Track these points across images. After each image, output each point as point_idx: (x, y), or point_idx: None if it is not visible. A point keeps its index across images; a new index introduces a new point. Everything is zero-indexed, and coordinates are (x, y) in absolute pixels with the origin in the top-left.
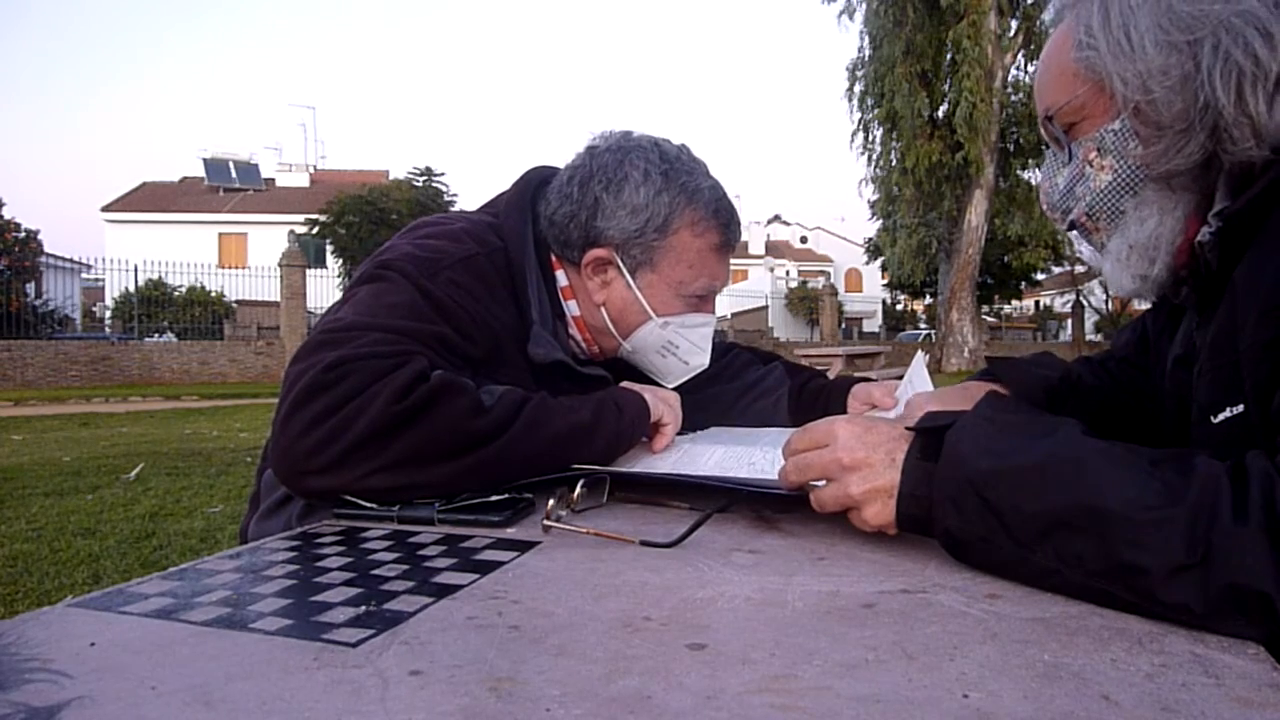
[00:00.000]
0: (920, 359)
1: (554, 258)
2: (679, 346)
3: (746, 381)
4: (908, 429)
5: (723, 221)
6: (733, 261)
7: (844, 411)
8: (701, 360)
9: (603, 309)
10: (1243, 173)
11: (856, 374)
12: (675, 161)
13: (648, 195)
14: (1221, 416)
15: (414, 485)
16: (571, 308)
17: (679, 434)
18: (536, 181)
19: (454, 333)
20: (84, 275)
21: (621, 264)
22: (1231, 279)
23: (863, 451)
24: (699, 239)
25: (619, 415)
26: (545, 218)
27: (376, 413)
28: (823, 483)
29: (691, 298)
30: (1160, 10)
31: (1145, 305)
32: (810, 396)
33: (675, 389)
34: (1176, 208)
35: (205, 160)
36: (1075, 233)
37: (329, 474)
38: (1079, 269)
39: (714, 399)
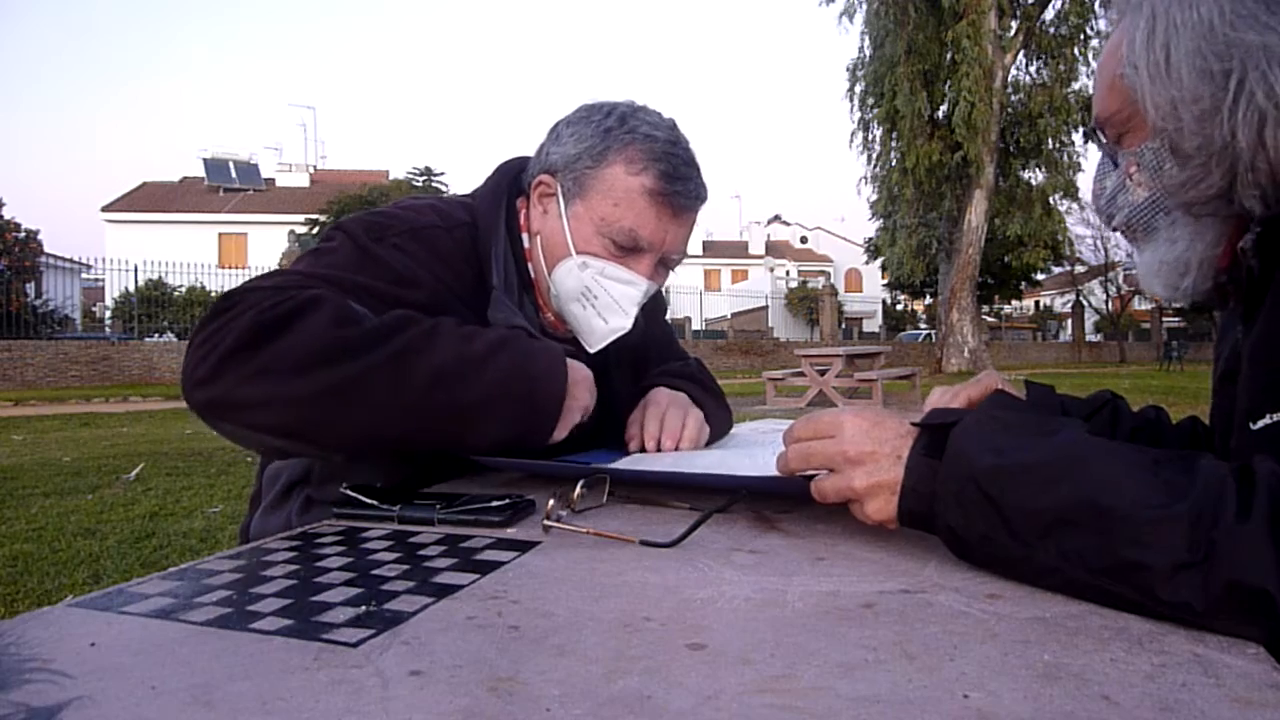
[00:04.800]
0: None
1: (521, 217)
2: (597, 298)
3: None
4: (913, 424)
5: (664, 170)
6: (733, 261)
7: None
8: (621, 322)
9: (538, 240)
10: None
11: (857, 374)
12: (646, 116)
13: (597, 128)
14: (1261, 423)
15: (277, 399)
16: (532, 270)
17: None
18: (515, 170)
19: (388, 285)
20: (84, 275)
21: (560, 191)
22: (1274, 281)
23: (869, 445)
24: (632, 177)
25: (527, 358)
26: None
27: (245, 322)
28: (823, 472)
29: (612, 242)
30: (1202, 33)
31: (1147, 306)
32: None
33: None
34: (1207, 231)
35: (205, 160)
36: (1120, 234)
37: (206, 386)
38: (1079, 269)
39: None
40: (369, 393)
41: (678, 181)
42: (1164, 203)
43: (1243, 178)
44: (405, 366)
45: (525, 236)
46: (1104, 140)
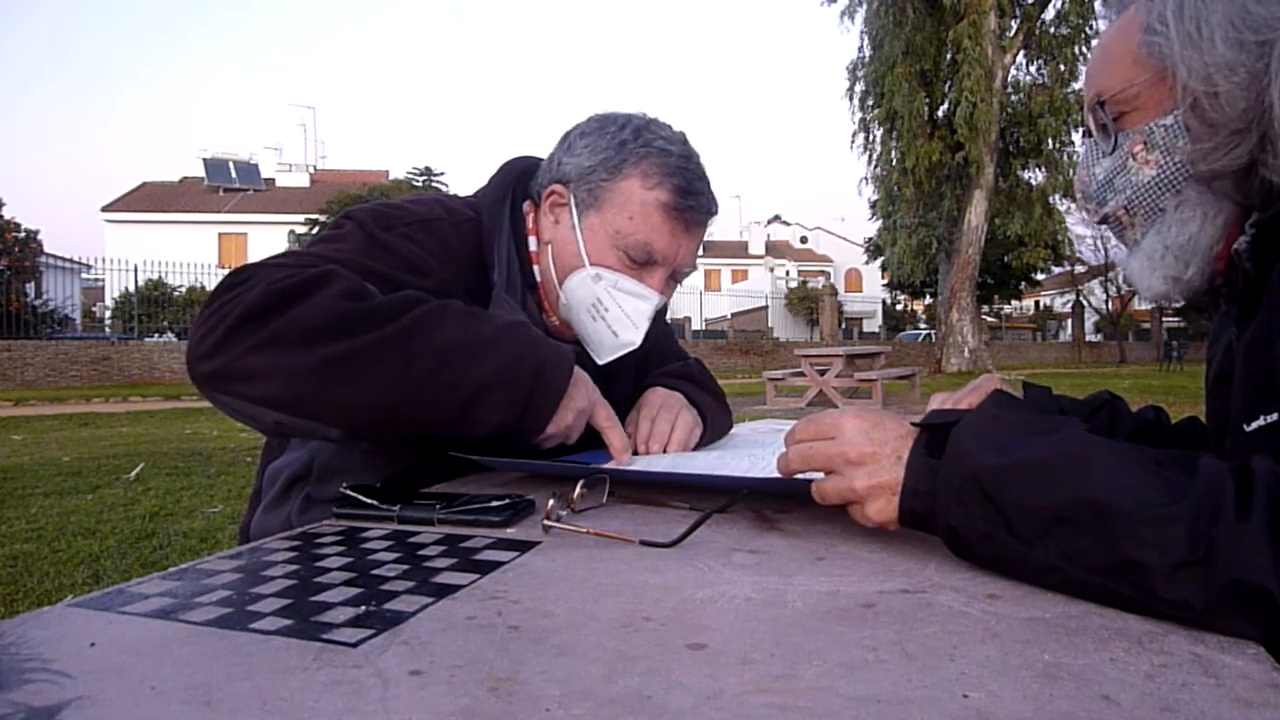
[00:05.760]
0: None
1: (529, 222)
2: (608, 310)
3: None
4: (914, 425)
5: (679, 185)
6: (733, 261)
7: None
8: (631, 337)
9: (549, 249)
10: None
11: (857, 374)
12: (660, 130)
13: (612, 141)
14: (1255, 425)
15: (283, 369)
16: (538, 273)
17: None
18: (519, 170)
19: (398, 272)
20: (84, 275)
21: (573, 201)
22: (1269, 283)
23: (870, 446)
24: (647, 191)
25: (535, 345)
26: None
27: (254, 295)
28: (821, 475)
29: (626, 255)
30: (1234, 7)
31: (1147, 306)
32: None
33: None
34: (1219, 214)
35: (205, 160)
36: (1106, 226)
37: (210, 358)
38: (1079, 269)
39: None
40: (375, 366)
41: (691, 196)
42: (1175, 181)
43: (1273, 147)
44: (414, 341)
45: (532, 240)
46: (1105, 121)
